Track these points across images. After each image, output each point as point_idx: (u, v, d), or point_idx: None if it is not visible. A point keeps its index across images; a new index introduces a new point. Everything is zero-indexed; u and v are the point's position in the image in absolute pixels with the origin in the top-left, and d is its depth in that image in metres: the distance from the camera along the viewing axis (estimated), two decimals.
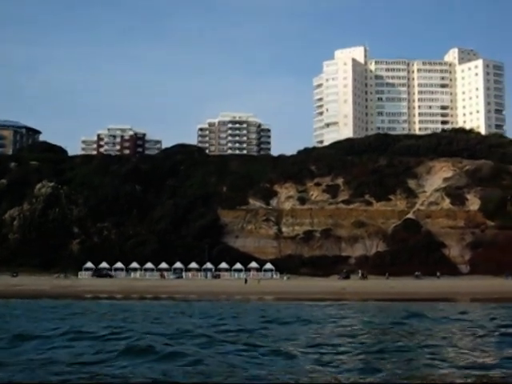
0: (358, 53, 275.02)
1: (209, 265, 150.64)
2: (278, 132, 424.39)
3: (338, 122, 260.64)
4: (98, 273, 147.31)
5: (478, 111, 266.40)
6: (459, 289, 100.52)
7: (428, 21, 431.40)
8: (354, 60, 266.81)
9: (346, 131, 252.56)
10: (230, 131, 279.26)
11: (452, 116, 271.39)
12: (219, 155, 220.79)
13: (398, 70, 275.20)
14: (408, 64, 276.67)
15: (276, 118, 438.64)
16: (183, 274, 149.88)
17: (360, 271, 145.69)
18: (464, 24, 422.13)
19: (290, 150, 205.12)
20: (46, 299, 71.49)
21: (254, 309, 54.32)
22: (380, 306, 63.93)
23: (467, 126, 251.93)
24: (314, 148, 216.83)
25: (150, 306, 61.45)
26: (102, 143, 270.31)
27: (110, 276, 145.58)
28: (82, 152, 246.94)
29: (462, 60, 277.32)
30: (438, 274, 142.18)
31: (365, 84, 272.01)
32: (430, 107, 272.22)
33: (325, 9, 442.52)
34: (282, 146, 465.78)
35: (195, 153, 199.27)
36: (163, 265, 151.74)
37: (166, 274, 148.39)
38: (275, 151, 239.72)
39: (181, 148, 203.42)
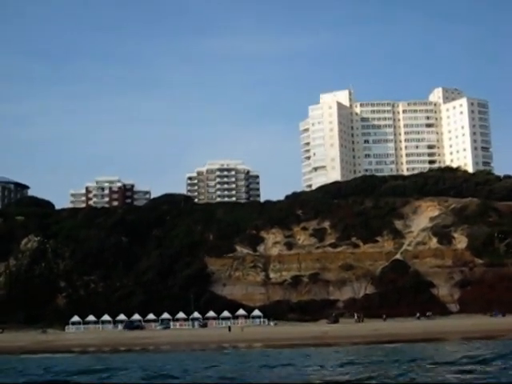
0: (343, 96, 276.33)
1: (196, 314, 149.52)
2: (268, 178, 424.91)
3: (325, 165, 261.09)
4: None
5: (464, 149, 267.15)
6: (448, 328, 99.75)
7: (412, 61, 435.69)
8: (338, 103, 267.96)
9: (333, 174, 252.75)
10: (218, 179, 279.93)
11: (439, 155, 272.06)
12: (205, 203, 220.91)
13: (384, 111, 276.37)
14: (393, 105, 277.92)
15: (265, 164, 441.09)
16: (171, 324, 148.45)
17: (356, 314, 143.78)
18: (447, 63, 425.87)
19: (279, 195, 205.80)
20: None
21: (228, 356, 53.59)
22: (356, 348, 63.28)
23: (455, 165, 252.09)
24: (302, 192, 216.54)
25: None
26: (90, 196, 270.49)
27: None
28: (71, 205, 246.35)
29: (446, 99, 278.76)
30: (429, 313, 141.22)
31: (351, 127, 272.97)
32: (417, 147, 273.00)
33: (309, 53, 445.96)
34: (272, 192, 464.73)
35: (181, 202, 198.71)
36: (150, 316, 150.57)
37: (153, 325, 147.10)
38: (265, 197, 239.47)
39: (167, 198, 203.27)
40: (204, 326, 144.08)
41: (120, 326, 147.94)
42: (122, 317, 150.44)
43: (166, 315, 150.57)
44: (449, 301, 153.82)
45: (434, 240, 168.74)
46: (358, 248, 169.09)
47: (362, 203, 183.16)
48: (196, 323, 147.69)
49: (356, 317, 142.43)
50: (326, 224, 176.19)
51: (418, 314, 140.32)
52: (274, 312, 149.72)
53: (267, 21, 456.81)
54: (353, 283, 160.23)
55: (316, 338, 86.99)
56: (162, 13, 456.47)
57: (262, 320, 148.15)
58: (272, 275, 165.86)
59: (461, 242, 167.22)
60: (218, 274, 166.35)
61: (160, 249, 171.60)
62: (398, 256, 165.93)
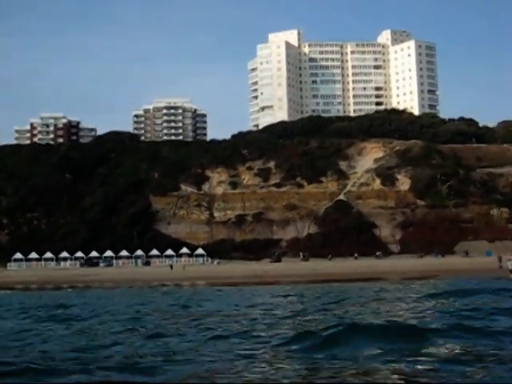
0: (292, 36, 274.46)
1: (139, 252, 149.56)
2: (216, 118, 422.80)
3: (272, 105, 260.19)
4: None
5: (411, 92, 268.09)
6: (388, 268, 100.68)
7: (361, 3, 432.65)
8: (287, 43, 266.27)
9: (280, 114, 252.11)
10: (165, 117, 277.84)
11: (386, 97, 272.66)
12: (150, 141, 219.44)
13: (332, 52, 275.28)
14: (341, 46, 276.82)
15: (213, 103, 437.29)
16: (113, 261, 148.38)
17: (301, 253, 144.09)
18: (396, 5, 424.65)
19: (227, 135, 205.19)
20: None
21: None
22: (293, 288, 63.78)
23: (401, 107, 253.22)
24: (248, 132, 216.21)
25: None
26: (35, 132, 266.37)
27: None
28: (16, 142, 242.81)
29: (394, 41, 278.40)
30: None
31: (299, 67, 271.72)
32: (365, 89, 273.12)
33: None
34: (219, 131, 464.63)
35: (126, 140, 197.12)
36: (93, 253, 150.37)
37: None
38: (212, 137, 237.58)
39: (113, 135, 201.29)
40: (147, 263, 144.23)
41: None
42: (64, 254, 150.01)
43: (109, 253, 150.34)
44: (390, 241, 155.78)
45: (378, 181, 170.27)
46: (303, 188, 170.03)
47: (308, 143, 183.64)
48: (139, 261, 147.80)
49: (301, 256, 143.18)
50: (271, 164, 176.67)
51: (355, 254, 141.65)
52: (218, 251, 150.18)
53: None
54: (296, 223, 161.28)
55: (257, 277, 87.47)
56: None
57: (205, 259, 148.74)
58: (216, 214, 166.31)
59: (404, 183, 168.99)
60: (163, 212, 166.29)
61: (104, 187, 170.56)
62: (341, 196, 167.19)
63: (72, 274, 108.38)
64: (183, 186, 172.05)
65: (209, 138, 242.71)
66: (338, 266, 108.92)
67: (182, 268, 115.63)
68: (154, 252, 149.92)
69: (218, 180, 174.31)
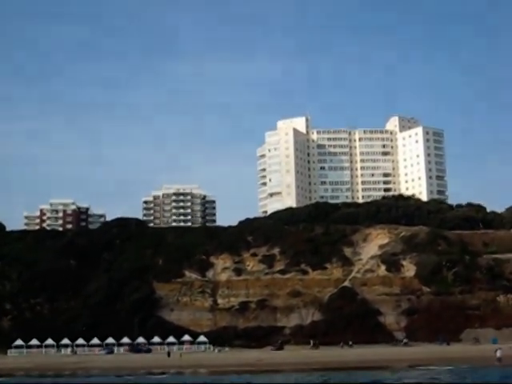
0: (300, 123, 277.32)
1: (141, 339, 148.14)
2: (225, 204, 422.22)
3: (281, 191, 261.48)
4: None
5: (419, 178, 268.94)
6: (392, 356, 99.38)
7: (369, 90, 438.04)
8: (295, 130, 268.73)
9: (289, 201, 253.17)
10: (174, 203, 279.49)
11: (395, 183, 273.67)
12: (156, 227, 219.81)
13: (340, 139, 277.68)
14: (350, 133, 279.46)
15: (223, 190, 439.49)
16: (115, 349, 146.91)
17: (312, 341, 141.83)
18: (404, 93, 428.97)
19: (236, 221, 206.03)
20: None
21: None
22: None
23: (410, 193, 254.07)
24: (254, 219, 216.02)
25: None
26: (44, 218, 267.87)
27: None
28: (25, 227, 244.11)
29: (402, 128, 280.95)
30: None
31: (307, 154, 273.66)
32: (373, 175, 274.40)
33: (269, 80, 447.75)
34: (229, 217, 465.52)
35: (132, 226, 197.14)
36: (95, 340, 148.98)
37: (96, 349, 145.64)
38: (222, 223, 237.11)
39: (119, 221, 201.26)
40: (148, 351, 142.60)
41: (63, 351, 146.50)
42: (65, 341, 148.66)
43: (110, 340, 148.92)
44: (395, 329, 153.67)
45: (383, 268, 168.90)
46: (307, 275, 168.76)
47: (313, 230, 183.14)
48: (141, 349, 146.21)
49: (312, 343, 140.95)
50: (276, 250, 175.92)
51: (350, 342, 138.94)
52: (221, 338, 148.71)
53: (230, 46, 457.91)
54: (300, 310, 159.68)
55: (251, 365, 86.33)
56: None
57: (207, 346, 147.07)
58: (220, 301, 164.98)
59: (409, 270, 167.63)
60: (166, 298, 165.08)
61: (109, 273, 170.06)
62: (346, 283, 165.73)
63: (61, 361, 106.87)
64: (187, 273, 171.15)
65: (218, 224, 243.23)
66: (334, 354, 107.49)
67: (179, 356, 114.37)
68: (156, 339, 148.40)
69: (222, 266, 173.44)
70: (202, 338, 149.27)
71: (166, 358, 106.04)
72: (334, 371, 73.17)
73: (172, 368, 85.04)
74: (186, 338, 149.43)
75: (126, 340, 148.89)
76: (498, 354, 71.95)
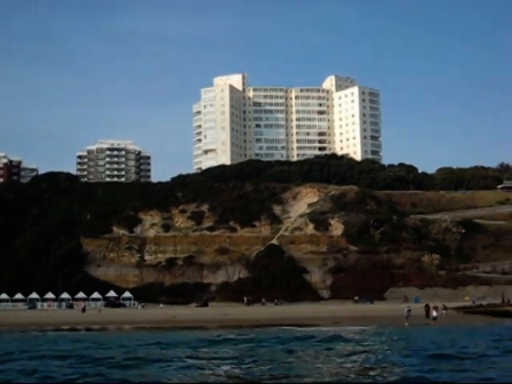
0: (237, 80, 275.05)
1: (65, 295, 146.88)
2: (161, 160, 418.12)
3: (215, 148, 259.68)
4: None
5: (354, 137, 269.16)
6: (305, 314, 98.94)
7: (306, 49, 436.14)
8: (231, 87, 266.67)
9: (223, 158, 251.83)
10: (108, 158, 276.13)
11: (330, 142, 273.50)
12: (85, 183, 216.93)
13: (276, 97, 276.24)
14: (286, 91, 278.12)
15: (160, 147, 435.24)
16: (38, 304, 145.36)
17: (245, 298, 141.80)
18: (342, 51, 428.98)
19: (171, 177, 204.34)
20: None
21: None
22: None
23: (344, 153, 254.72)
24: (187, 175, 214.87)
25: None
26: None
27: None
28: None
29: (339, 87, 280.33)
30: (276, 301, 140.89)
31: (243, 111, 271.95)
32: (308, 134, 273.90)
33: (207, 36, 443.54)
34: (164, 173, 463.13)
35: (62, 181, 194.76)
36: (18, 295, 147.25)
37: (19, 304, 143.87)
38: (157, 179, 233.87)
39: (49, 176, 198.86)
40: (70, 306, 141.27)
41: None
42: None
43: (34, 295, 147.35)
44: (321, 287, 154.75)
45: (311, 226, 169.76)
46: (235, 232, 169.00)
47: (243, 187, 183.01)
48: (63, 304, 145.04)
49: (245, 300, 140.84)
50: (205, 207, 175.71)
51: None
52: (147, 294, 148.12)
53: (179, 4, 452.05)
54: (227, 267, 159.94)
55: (165, 322, 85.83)
56: None
57: (131, 302, 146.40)
58: (147, 257, 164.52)
59: (337, 228, 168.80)
60: (93, 254, 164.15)
61: (36, 227, 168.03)
62: (274, 241, 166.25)
63: None
64: (115, 229, 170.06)
65: (154, 180, 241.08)
66: (251, 311, 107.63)
67: (98, 311, 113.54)
68: (81, 295, 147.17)
69: (150, 222, 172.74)
70: (126, 294, 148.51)
71: (79, 315, 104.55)
72: (248, 328, 72.88)
73: (80, 324, 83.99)
74: (111, 293, 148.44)
75: (50, 295, 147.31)
76: (406, 312, 72.48)
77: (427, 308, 75.71)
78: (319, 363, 32.55)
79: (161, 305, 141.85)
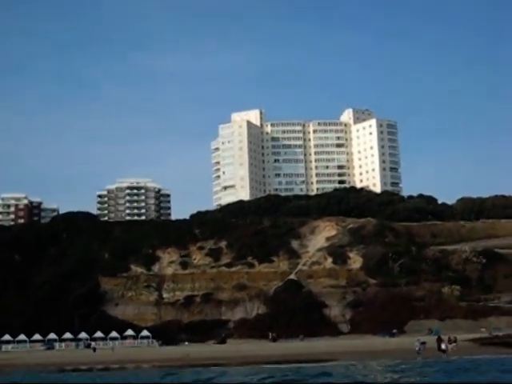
0: (254, 115, 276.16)
1: (83, 334, 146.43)
2: (181, 198, 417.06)
3: (234, 184, 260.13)
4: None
5: (373, 170, 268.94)
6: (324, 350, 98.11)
7: (323, 83, 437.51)
8: (249, 122, 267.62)
9: (242, 194, 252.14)
10: (128, 197, 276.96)
11: (349, 175, 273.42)
12: (103, 221, 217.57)
13: (294, 131, 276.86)
14: (304, 125, 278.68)
15: (178, 183, 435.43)
16: (56, 344, 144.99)
17: (270, 334, 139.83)
18: (358, 84, 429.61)
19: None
20: None
21: None
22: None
23: (364, 185, 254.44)
24: (205, 212, 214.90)
25: None
26: None
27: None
28: None
29: (357, 120, 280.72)
30: (301, 336, 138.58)
31: (261, 146, 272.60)
32: (327, 167, 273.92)
33: (222, 72, 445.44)
34: (184, 211, 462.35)
35: (80, 220, 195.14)
36: (36, 336, 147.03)
37: (37, 345, 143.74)
38: (177, 216, 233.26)
39: (67, 216, 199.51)
40: (88, 346, 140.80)
41: (4, 347, 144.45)
42: (7, 337, 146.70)
43: (52, 335, 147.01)
44: (340, 321, 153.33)
45: (329, 260, 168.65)
46: (253, 268, 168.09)
47: (261, 223, 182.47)
48: (81, 344, 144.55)
49: (270, 336, 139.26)
50: (223, 243, 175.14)
51: (301, 336, 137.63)
52: (165, 332, 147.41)
53: (187, 39, 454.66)
54: (245, 303, 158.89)
55: (179, 360, 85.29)
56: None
57: (150, 340, 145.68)
58: (165, 295, 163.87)
59: (355, 261, 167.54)
60: (111, 293, 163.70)
61: (54, 267, 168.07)
62: (292, 276, 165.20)
63: None
64: (133, 267, 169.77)
65: (173, 217, 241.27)
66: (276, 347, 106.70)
67: (111, 351, 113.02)
68: (98, 334, 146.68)
69: (168, 260, 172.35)
70: (144, 333, 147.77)
71: (90, 354, 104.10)
72: (264, 364, 72.28)
73: (94, 364, 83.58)
74: (129, 332, 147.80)
75: (68, 335, 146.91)
76: (417, 346, 71.54)
77: (439, 341, 74.52)
78: None
79: (186, 342, 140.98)
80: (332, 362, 70.16)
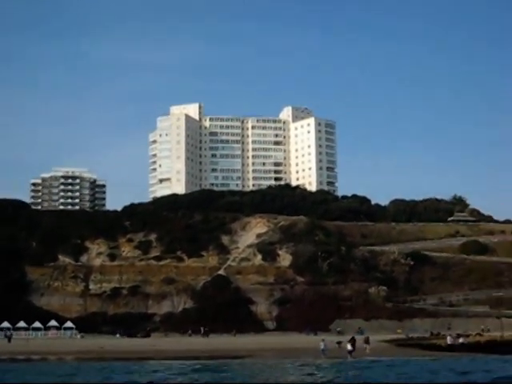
0: (193, 109, 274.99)
1: (5, 324, 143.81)
2: (117, 189, 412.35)
3: (170, 178, 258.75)
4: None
5: (310, 168, 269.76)
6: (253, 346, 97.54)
7: (263, 80, 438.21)
8: (187, 116, 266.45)
9: (178, 187, 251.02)
10: (62, 186, 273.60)
11: (285, 173, 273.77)
12: (32, 210, 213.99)
13: (233, 127, 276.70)
14: (242, 121, 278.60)
15: (116, 175, 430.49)
16: None
17: (202, 328, 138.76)
18: (298, 82, 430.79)
19: None
20: None
21: None
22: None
23: (300, 183, 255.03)
24: (138, 204, 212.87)
25: None
26: None
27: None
28: None
29: (295, 118, 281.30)
30: (234, 332, 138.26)
31: (199, 140, 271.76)
32: (264, 164, 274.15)
33: (163, 64, 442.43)
34: (120, 202, 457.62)
35: (9, 208, 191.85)
36: None
37: None
38: (113, 207, 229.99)
39: None
40: (9, 337, 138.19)
41: None
42: None
43: None
44: (266, 318, 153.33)
45: (259, 257, 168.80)
46: (182, 262, 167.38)
47: (192, 217, 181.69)
48: (1, 334, 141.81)
49: (203, 330, 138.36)
50: (153, 236, 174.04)
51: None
52: (89, 324, 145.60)
53: (127, 29, 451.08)
54: (173, 297, 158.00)
55: (92, 352, 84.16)
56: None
57: (73, 332, 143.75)
58: (92, 286, 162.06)
59: (285, 259, 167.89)
60: (37, 283, 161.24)
61: None
62: (221, 271, 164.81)
63: None
64: (61, 257, 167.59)
65: (108, 208, 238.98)
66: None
67: (26, 341, 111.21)
68: (21, 324, 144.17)
69: (96, 251, 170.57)
70: (68, 324, 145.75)
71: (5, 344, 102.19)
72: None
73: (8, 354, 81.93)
74: (53, 323, 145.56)
75: None
76: (322, 345, 71.42)
77: (352, 341, 74.54)
78: None
79: (117, 335, 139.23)
80: (242, 360, 69.81)
